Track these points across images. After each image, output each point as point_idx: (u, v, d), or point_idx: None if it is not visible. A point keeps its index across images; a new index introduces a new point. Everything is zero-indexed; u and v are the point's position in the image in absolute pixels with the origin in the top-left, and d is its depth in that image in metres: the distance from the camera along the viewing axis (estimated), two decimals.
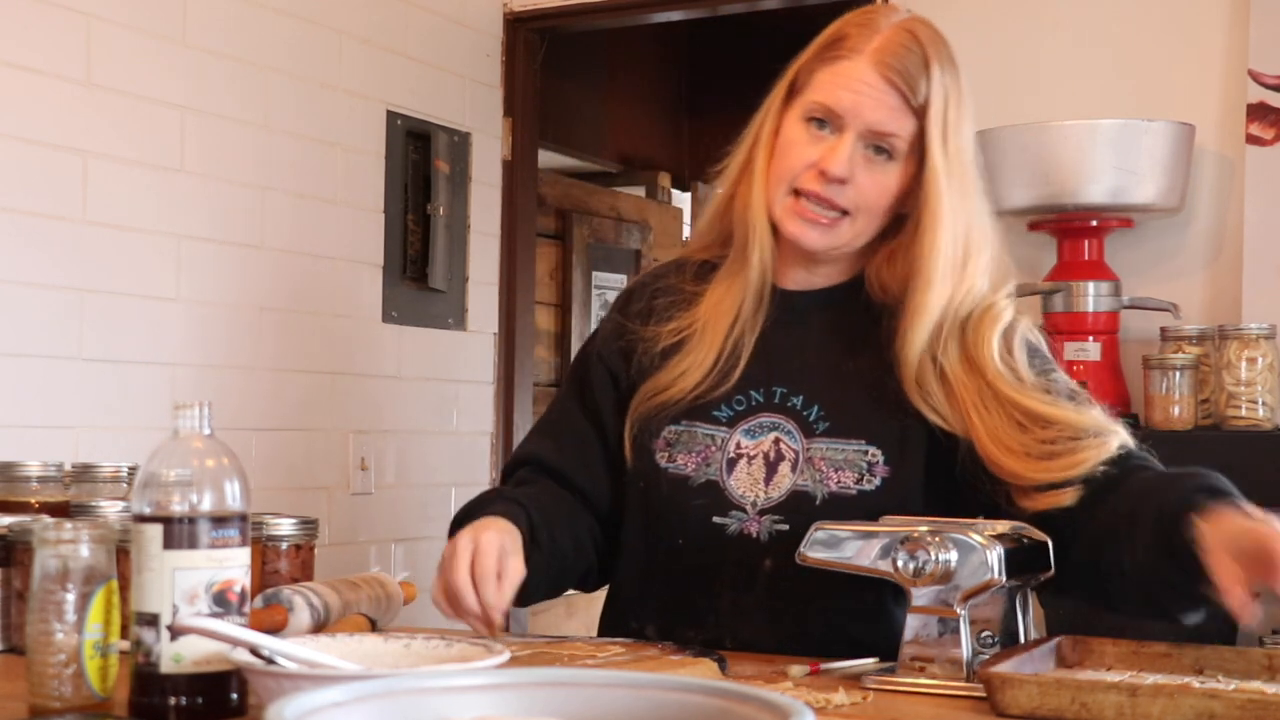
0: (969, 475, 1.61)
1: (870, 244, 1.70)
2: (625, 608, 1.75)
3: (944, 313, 1.63)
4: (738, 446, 1.67)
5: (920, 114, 1.62)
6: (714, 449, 1.68)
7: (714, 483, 1.67)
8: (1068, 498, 1.55)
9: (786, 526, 1.63)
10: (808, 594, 1.63)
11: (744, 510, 1.66)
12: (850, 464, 1.63)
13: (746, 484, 1.66)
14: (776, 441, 1.66)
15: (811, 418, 1.66)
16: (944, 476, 1.63)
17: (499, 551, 1.53)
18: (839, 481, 1.63)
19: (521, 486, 1.76)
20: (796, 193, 1.64)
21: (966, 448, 1.60)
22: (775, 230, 1.69)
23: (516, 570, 1.53)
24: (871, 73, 1.61)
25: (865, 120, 1.61)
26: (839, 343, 1.70)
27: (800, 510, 1.62)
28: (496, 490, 1.78)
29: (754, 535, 1.65)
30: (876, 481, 1.62)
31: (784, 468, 1.65)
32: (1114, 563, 1.52)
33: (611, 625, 1.76)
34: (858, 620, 1.64)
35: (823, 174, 1.62)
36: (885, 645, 1.55)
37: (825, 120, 1.63)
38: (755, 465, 1.66)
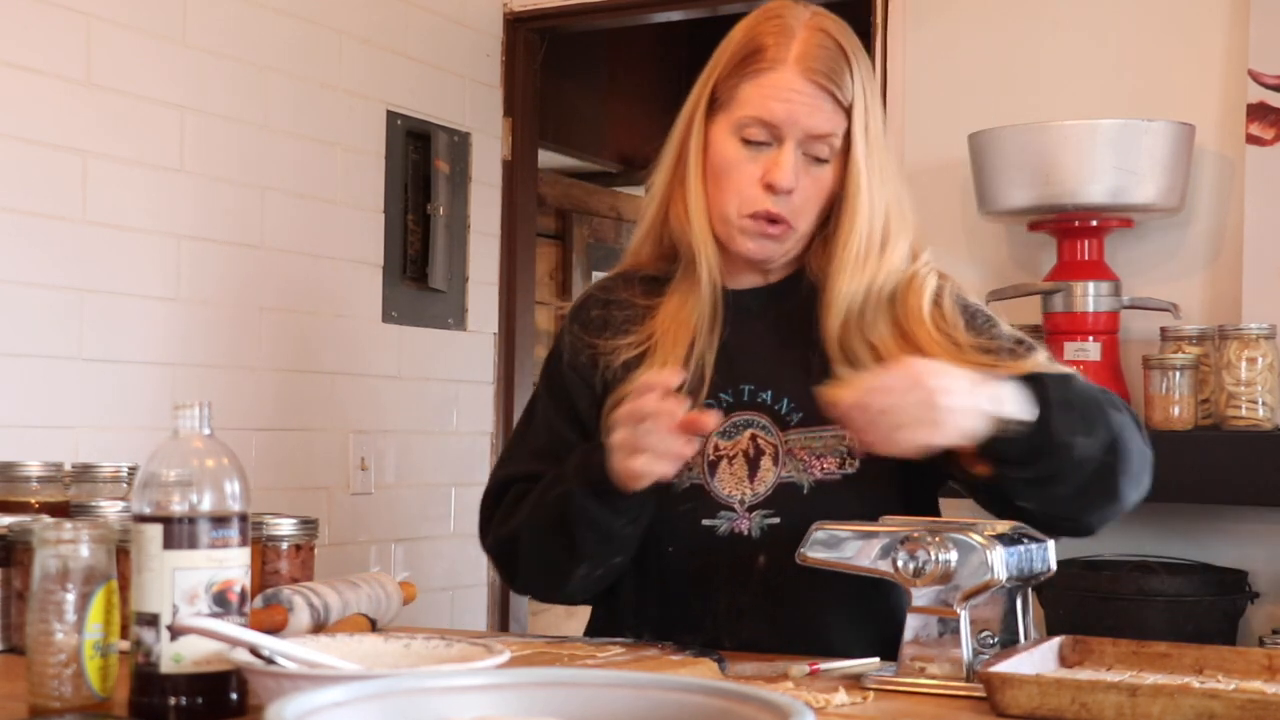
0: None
1: (810, 240, 1.73)
2: (620, 615, 1.74)
3: (866, 294, 1.67)
4: (716, 449, 1.68)
5: (849, 111, 1.66)
6: (694, 453, 1.66)
7: (699, 486, 1.67)
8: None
9: (778, 520, 1.64)
10: (804, 588, 1.63)
11: (732, 509, 1.66)
12: (830, 450, 1.65)
13: (731, 483, 1.67)
14: (753, 437, 1.67)
15: (784, 410, 1.68)
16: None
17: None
18: (823, 469, 1.65)
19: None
20: (748, 215, 1.67)
21: None
22: (719, 241, 1.71)
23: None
24: (800, 80, 1.64)
25: (803, 127, 1.64)
26: (790, 334, 1.72)
27: (789, 502, 1.64)
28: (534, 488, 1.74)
29: (745, 533, 1.65)
30: (858, 464, 1.65)
31: (765, 462, 1.66)
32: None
33: (603, 632, 1.75)
34: (856, 613, 1.65)
35: (770, 187, 1.65)
36: (885, 637, 1.56)
37: (763, 134, 1.65)
38: (737, 464, 1.66)
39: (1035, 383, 1.52)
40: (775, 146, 1.65)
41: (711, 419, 1.53)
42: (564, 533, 1.63)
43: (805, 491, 1.64)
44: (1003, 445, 1.49)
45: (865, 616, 1.65)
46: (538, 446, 1.77)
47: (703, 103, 1.70)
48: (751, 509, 1.65)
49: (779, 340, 1.72)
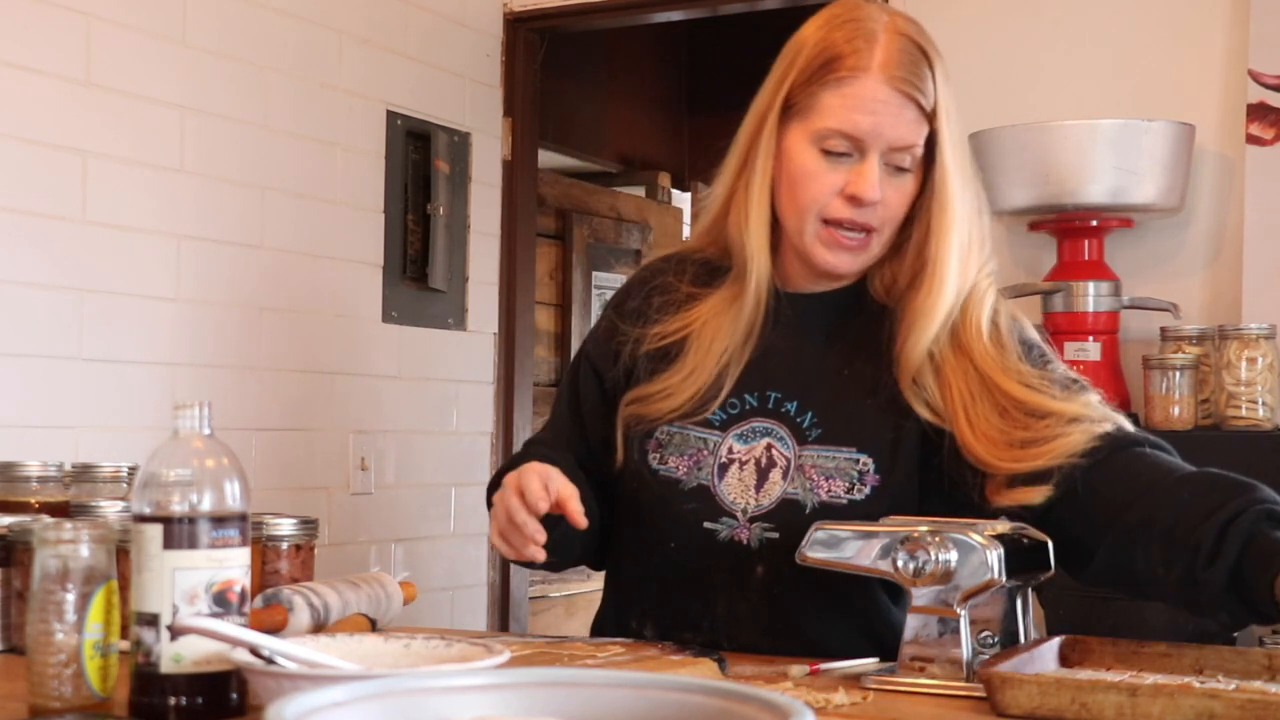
0: (951, 469, 1.60)
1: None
2: (624, 607, 1.75)
3: (951, 311, 1.63)
4: (730, 451, 1.67)
5: (932, 118, 1.61)
6: (705, 453, 1.67)
7: (705, 487, 1.66)
8: (1037, 496, 1.54)
9: (777, 535, 1.62)
10: (802, 600, 1.63)
11: (734, 517, 1.65)
12: (841, 472, 1.62)
13: (737, 490, 1.65)
14: (769, 448, 1.66)
15: (805, 424, 1.65)
16: (936, 480, 1.62)
17: (542, 475, 1.54)
18: (829, 490, 1.62)
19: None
20: (825, 221, 1.62)
21: (950, 438, 1.60)
22: (774, 249, 1.68)
23: (572, 490, 1.54)
24: (885, 89, 1.58)
25: (887, 140, 1.59)
26: (838, 347, 1.69)
27: (790, 518, 1.62)
28: (522, 455, 1.77)
29: (745, 542, 1.64)
30: (867, 490, 1.61)
31: (775, 475, 1.64)
32: (1157, 574, 1.49)
33: (609, 625, 1.76)
34: (854, 626, 1.64)
35: (854, 199, 1.60)
36: (882, 650, 1.56)
37: (847, 146, 1.59)
38: (747, 471, 1.65)
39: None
40: (857, 158, 1.60)
41: (579, 520, 1.53)
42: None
43: (808, 511, 1.61)
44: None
45: (864, 629, 1.64)
46: (554, 428, 1.83)
47: (776, 108, 1.63)
48: (753, 520, 1.64)
49: (822, 351, 1.69)
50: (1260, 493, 1.46)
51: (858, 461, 1.62)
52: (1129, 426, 1.61)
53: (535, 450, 1.75)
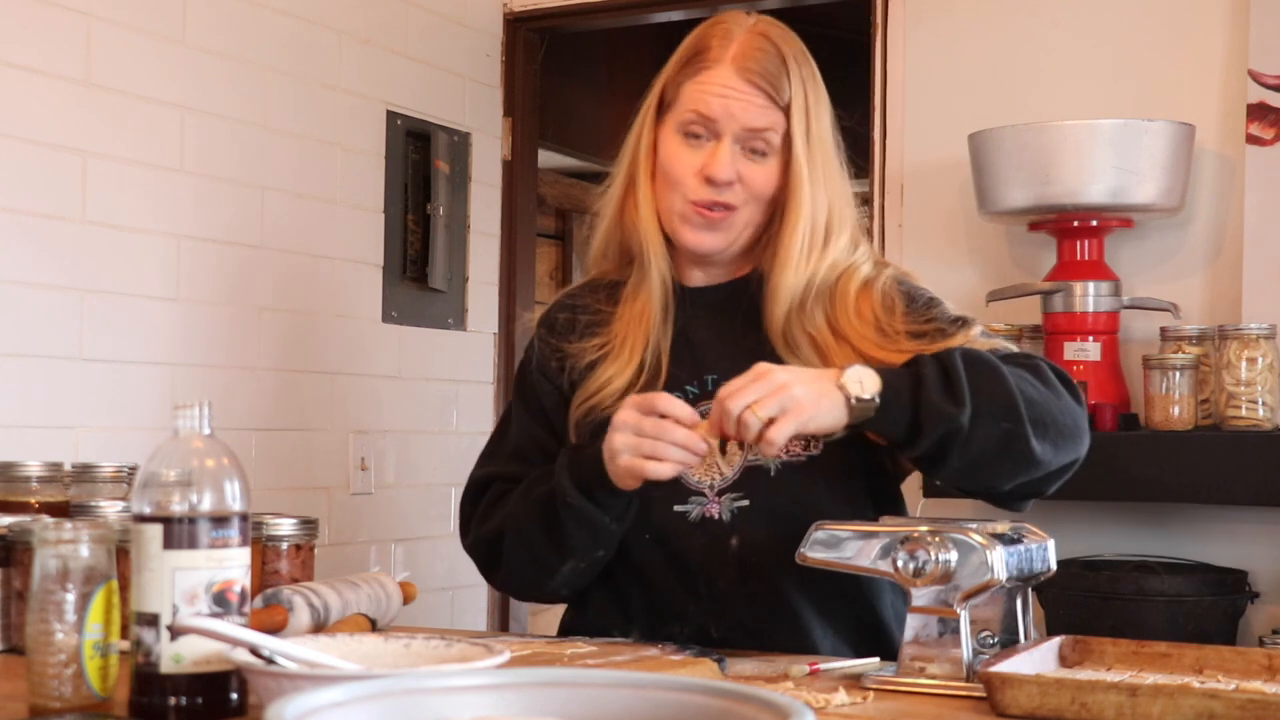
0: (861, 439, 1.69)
1: (759, 238, 1.78)
2: (607, 607, 1.78)
3: (807, 287, 1.73)
4: None
5: (786, 110, 1.72)
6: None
7: None
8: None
9: (747, 502, 1.69)
10: (777, 566, 1.67)
11: (702, 495, 1.72)
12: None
13: (700, 469, 1.71)
14: None
15: None
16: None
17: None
18: (789, 451, 1.70)
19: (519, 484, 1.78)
20: (689, 203, 1.73)
21: None
22: (669, 238, 1.78)
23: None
24: (735, 77, 1.71)
25: (738, 121, 1.71)
26: (748, 327, 1.77)
27: (757, 484, 1.70)
28: (488, 486, 1.82)
29: (716, 516, 1.71)
30: (822, 445, 1.70)
31: (732, 447, 1.71)
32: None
33: (584, 628, 1.78)
34: (834, 589, 1.69)
35: (709, 180, 1.72)
36: (864, 614, 1.69)
37: (701, 129, 1.72)
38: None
39: (917, 362, 1.58)
40: (714, 141, 1.72)
41: (704, 446, 1.58)
42: (551, 529, 1.68)
43: (772, 473, 1.70)
44: (876, 426, 1.57)
45: (839, 592, 1.70)
46: (514, 448, 1.85)
47: (652, 106, 1.78)
48: (721, 493, 1.71)
49: (737, 334, 1.78)
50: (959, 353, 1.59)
51: None
52: (1009, 348, 1.71)
53: (496, 486, 1.80)
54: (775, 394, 1.50)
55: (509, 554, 1.75)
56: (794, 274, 1.73)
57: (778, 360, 1.68)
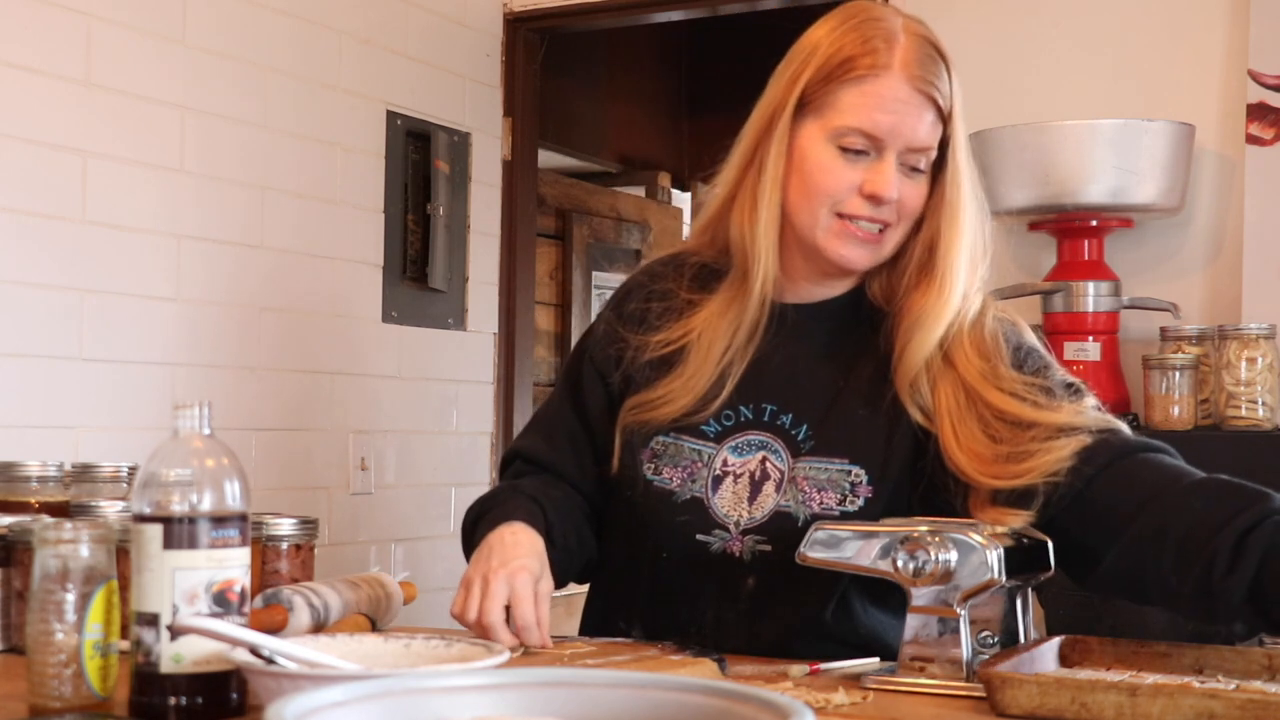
0: (936, 474, 1.59)
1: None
2: (612, 606, 1.76)
3: (956, 315, 1.62)
4: (724, 464, 1.66)
5: (947, 121, 1.61)
6: (700, 465, 1.67)
7: (699, 500, 1.66)
8: (1016, 521, 1.51)
9: (769, 548, 1.62)
10: (791, 613, 1.63)
11: (727, 529, 1.64)
12: (833, 484, 1.62)
13: (730, 503, 1.65)
14: (763, 461, 1.65)
15: (799, 437, 1.65)
16: (925, 487, 1.61)
17: (533, 591, 1.53)
18: (821, 503, 1.61)
19: (523, 479, 1.77)
20: (839, 215, 1.61)
21: (935, 442, 1.59)
22: (781, 251, 1.66)
23: (548, 591, 1.55)
24: (906, 88, 1.58)
25: (906, 140, 1.58)
26: (836, 357, 1.68)
27: (783, 531, 1.61)
28: (510, 486, 1.76)
29: (737, 554, 1.64)
30: (859, 502, 1.61)
31: (768, 487, 1.64)
32: (1169, 584, 1.47)
33: (597, 624, 1.78)
34: (841, 638, 1.63)
35: (873, 197, 1.59)
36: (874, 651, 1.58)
37: (865, 145, 1.59)
38: (740, 484, 1.65)
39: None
40: (874, 157, 1.59)
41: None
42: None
43: (800, 523, 1.60)
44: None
45: (847, 643, 1.63)
46: (547, 429, 1.81)
47: (789, 106, 1.61)
48: (746, 532, 1.63)
49: (819, 362, 1.68)
50: (1275, 502, 1.44)
51: (850, 473, 1.62)
52: (1127, 432, 1.59)
53: (521, 491, 1.73)
54: None
55: (466, 540, 1.78)
56: (950, 306, 1.60)
57: (885, 401, 1.61)
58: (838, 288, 1.71)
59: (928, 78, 1.59)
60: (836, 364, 1.68)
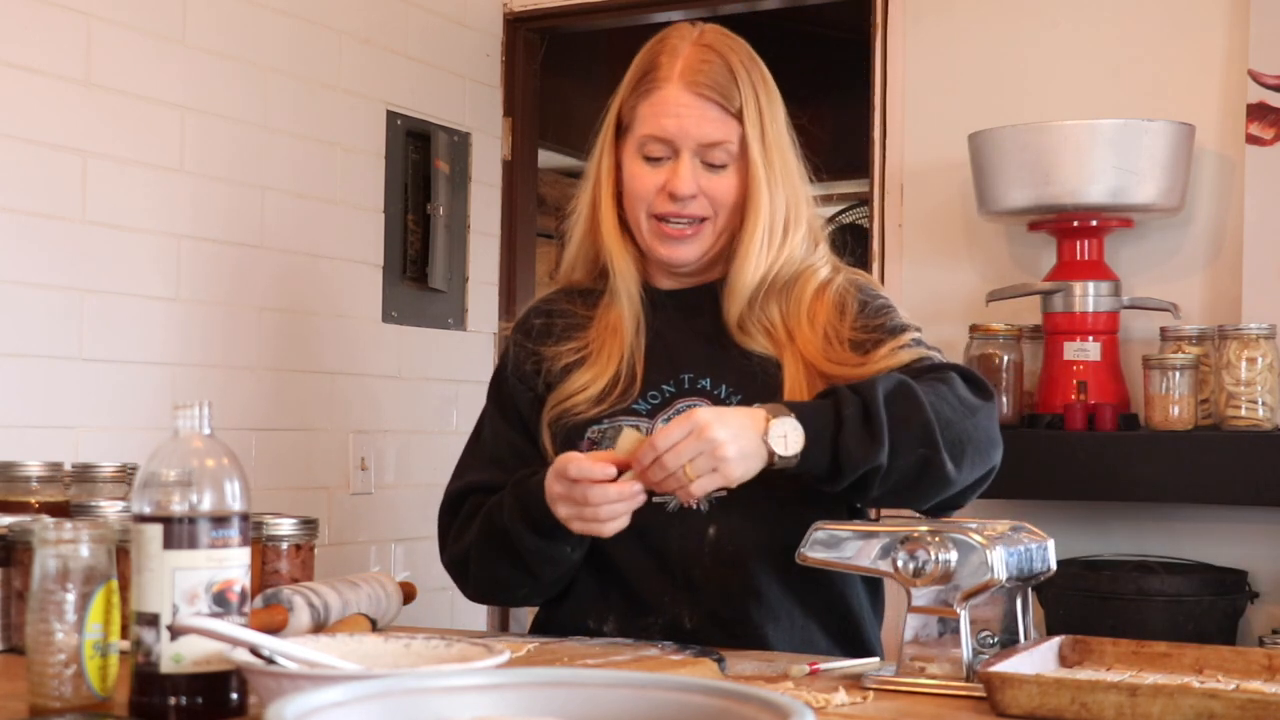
0: None
1: (730, 243, 1.82)
2: (578, 606, 1.80)
3: (762, 281, 1.78)
4: None
5: (739, 118, 1.77)
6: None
7: None
8: None
9: (725, 493, 1.69)
10: (755, 554, 1.71)
11: None
12: None
13: None
14: None
15: (723, 395, 1.78)
16: None
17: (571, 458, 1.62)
18: None
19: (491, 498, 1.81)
20: (655, 218, 1.79)
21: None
22: (640, 251, 1.84)
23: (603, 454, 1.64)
24: (686, 94, 1.76)
25: (694, 137, 1.76)
26: (722, 328, 1.82)
27: None
28: (486, 505, 1.81)
29: (695, 507, 1.73)
30: None
31: None
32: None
33: (559, 625, 1.81)
34: (808, 579, 1.71)
35: (672, 195, 1.77)
36: (837, 603, 1.74)
37: (661, 149, 1.77)
38: None
39: (838, 401, 1.62)
40: (673, 159, 1.77)
41: (642, 495, 1.62)
42: (513, 560, 1.74)
43: None
44: (800, 470, 1.61)
45: (813, 582, 1.72)
46: (490, 455, 1.88)
47: (610, 127, 1.84)
48: None
49: (711, 334, 1.83)
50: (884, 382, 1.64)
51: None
52: (935, 357, 1.75)
53: (472, 500, 1.83)
54: (709, 453, 1.54)
55: (474, 576, 1.80)
56: (752, 269, 1.78)
57: (739, 352, 1.78)
58: (708, 273, 1.85)
59: (706, 82, 1.76)
60: (726, 336, 1.82)
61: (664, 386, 1.80)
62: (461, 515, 1.84)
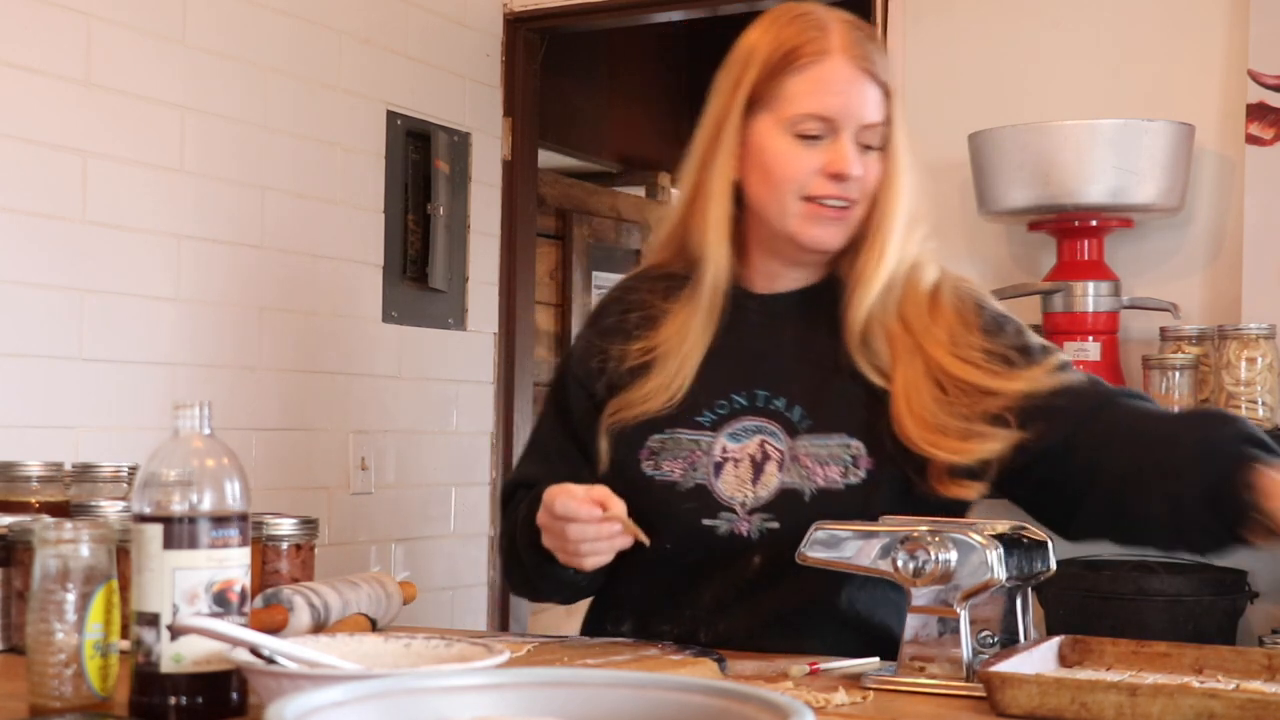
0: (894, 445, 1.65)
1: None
2: (604, 607, 1.79)
3: (892, 277, 1.68)
4: (724, 450, 1.69)
5: (889, 98, 1.68)
6: (699, 453, 1.69)
7: (702, 486, 1.68)
8: (972, 492, 1.61)
9: (777, 525, 1.64)
10: (792, 592, 1.65)
11: (733, 511, 1.67)
12: (835, 458, 1.65)
13: (734, 485, 1.67)
14: (762, 444, 1.68)
15: (795, 418, 1.68)
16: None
17: (567, 491, 1.59)
18: (826, 477, 1.64)
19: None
20: (806, 199, 1.66)
21: (888, 410, 1.65)
22: (740, 252, 1.73)
23: (605, 490, 1.60)
24: (850, 68, 1.65)
25: (856, 117, 1.65)
26: (814, 338, 1.72)
27: (790, 508, 1.64)
28: (522, 511, 1.80)
29: (745, 534, 1.66)
30: (861, 474, 1.64)
31: (770, 467, 1.66)
32: (1145, 511, 1.54)
33: (592, 625, 1.80)
34: (842, 623, 1.65)
35: (837, 176, 1.65)
36: (868, 650, 1.58)
37: (820, 128, 1.65)
38: (742, 468, 1.67)
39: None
40: (830, 138, 1.65)
41: (637, 536, 1.59)
42: (519, 565, 1.74)
43: (807, 499, 1.63)
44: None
45: (855, 627, 1.65)
46: (542, 453, 1.84)
47: (736, 107, 1.69)
48: (752, 512, 1.66)
49: (803, 345, 1.72)
50: (1241, 423, 1.53)
51: (849, 446, 1.65)
52: (1102, 383, 1.66)
53: (520, 495, 1.79)
54: None
55: (503, 572, 1.83)
56: (886, 263, 1.67)
57: (848, 369, 1.66)
58: (808, 276, 1.75)
59: (868, 56, 1.66)
60: (817, 345, 1.71)
61: (734, 397, 1.71)
62: (509, 509, 1.82)
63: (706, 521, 1.67)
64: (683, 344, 1.73)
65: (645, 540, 1.58)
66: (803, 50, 1.65)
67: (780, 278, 1.75)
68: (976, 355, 1.64)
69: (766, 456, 1.67)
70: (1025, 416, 1.61)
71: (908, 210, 1.68)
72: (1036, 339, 1.71)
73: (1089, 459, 1.58)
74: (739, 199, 1.72)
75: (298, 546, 1.62)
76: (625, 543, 1.59)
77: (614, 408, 1.75)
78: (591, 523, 1.57)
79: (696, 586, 1.69)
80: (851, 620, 1.66)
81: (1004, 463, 1.60)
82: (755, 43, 1.70)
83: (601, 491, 1.59)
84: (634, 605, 1.74)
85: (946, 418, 1.61)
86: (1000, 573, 1.38)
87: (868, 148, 1.67)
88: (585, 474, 1.77)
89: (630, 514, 1.70)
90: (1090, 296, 2.99)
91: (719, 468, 1.68)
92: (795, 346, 1.72)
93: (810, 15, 1.68)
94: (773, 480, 1.66)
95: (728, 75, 1.72)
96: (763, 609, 1.66)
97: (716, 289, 1.72)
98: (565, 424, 1.82)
